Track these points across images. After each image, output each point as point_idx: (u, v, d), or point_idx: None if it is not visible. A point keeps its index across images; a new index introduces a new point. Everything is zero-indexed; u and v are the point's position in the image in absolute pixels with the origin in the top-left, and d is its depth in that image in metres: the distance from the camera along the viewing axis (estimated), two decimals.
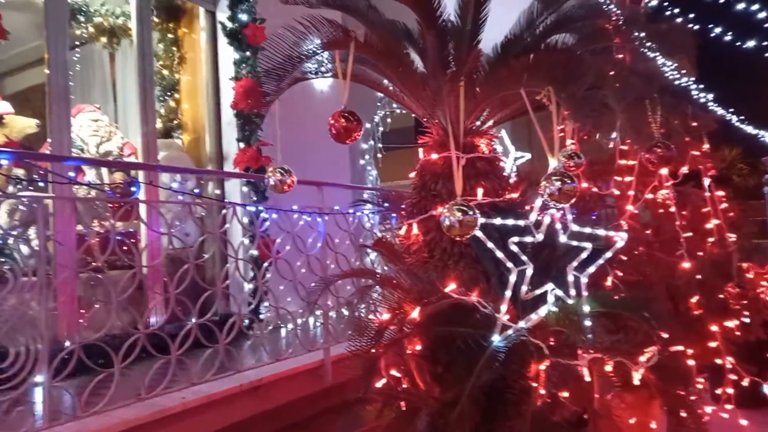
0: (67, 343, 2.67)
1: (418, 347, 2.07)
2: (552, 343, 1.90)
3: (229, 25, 4.80)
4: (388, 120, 7.18)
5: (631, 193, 3.05)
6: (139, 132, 4.31)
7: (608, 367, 1.84)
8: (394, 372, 2.12)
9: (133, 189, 3.25)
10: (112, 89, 5.49)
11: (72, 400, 2.51)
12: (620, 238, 2.04)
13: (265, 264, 3.65)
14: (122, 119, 5.32)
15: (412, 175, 2.50)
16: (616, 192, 3.13)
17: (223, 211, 3.36)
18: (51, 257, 2.79)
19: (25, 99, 5.78)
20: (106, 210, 4.09)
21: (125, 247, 2.99)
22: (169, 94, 5.23)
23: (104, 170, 4.54)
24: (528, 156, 2.92)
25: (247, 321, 3.61)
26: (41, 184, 3.42)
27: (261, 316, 4.13)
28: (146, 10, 4.39)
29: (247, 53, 4.80)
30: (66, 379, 2.51)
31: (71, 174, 3.31)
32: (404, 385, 2.10)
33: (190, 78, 5.15)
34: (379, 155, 7.09)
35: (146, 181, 3.45)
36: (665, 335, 2.11)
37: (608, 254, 2.06)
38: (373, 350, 2.08)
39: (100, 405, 2.50)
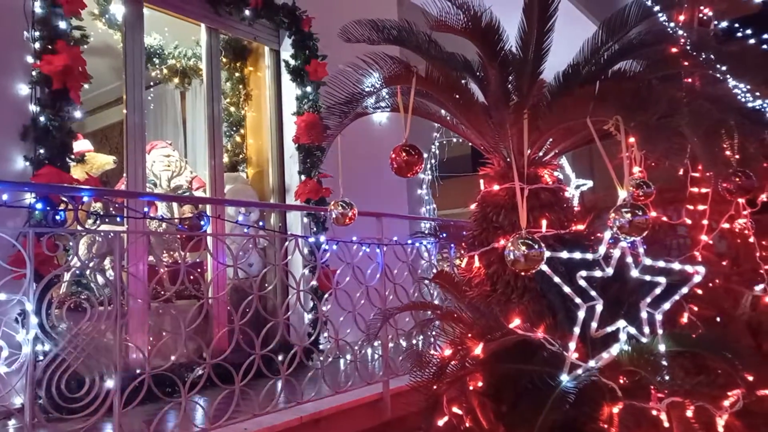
0: (138, 371, 2.76)
1: (481, 384, 2.01)
2: (625, 384, 1.80)
3: (292, 62, 4.99)
4: (446, 149, 7.19)
5: (705, 222, 2.89)
6: (207, 166, 4.51)
7: (689, 412, 1.72)
8: (456, 409, 2.06)
9: (202, 222, 3.37)
10: (182, 126, 5.79)
11: (141, 428, 2.58)
12: (698, 273, 1.92)
13: (326, 295, 3.67)
14: (191, 154, 5.59)
15: (473, 206, 2.46)
16: (688, 221, 2.98)
17: (286, 244, 3.42)
18: (125, 287, 2.92)
19: (103, 137, 6.18)
20: (176, 242, 4.26)
21: (192, 277, 3.09)
22: (235, 129, 5.46)
23: (174, 203, 4.77)
24: (590, 183, 2.83)
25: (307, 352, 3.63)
26: (118, 218, 3.61)
27: (320, 347, 4.15)
28: (216, 51, 4.63)
29: (309, 89, 4.96)
30: (135, 407, 2.59)
31: (146, 209, 3.48)
32: (467, 424, 2.03)
33: (255, 114, 5.36)
34: (437, 184, 7.08)
35: (214, 215, 3.57)
36: (750, 377, 1.96)
37: (685, 289, 1.94)
38: (434, 386, 2.04)
39: None
